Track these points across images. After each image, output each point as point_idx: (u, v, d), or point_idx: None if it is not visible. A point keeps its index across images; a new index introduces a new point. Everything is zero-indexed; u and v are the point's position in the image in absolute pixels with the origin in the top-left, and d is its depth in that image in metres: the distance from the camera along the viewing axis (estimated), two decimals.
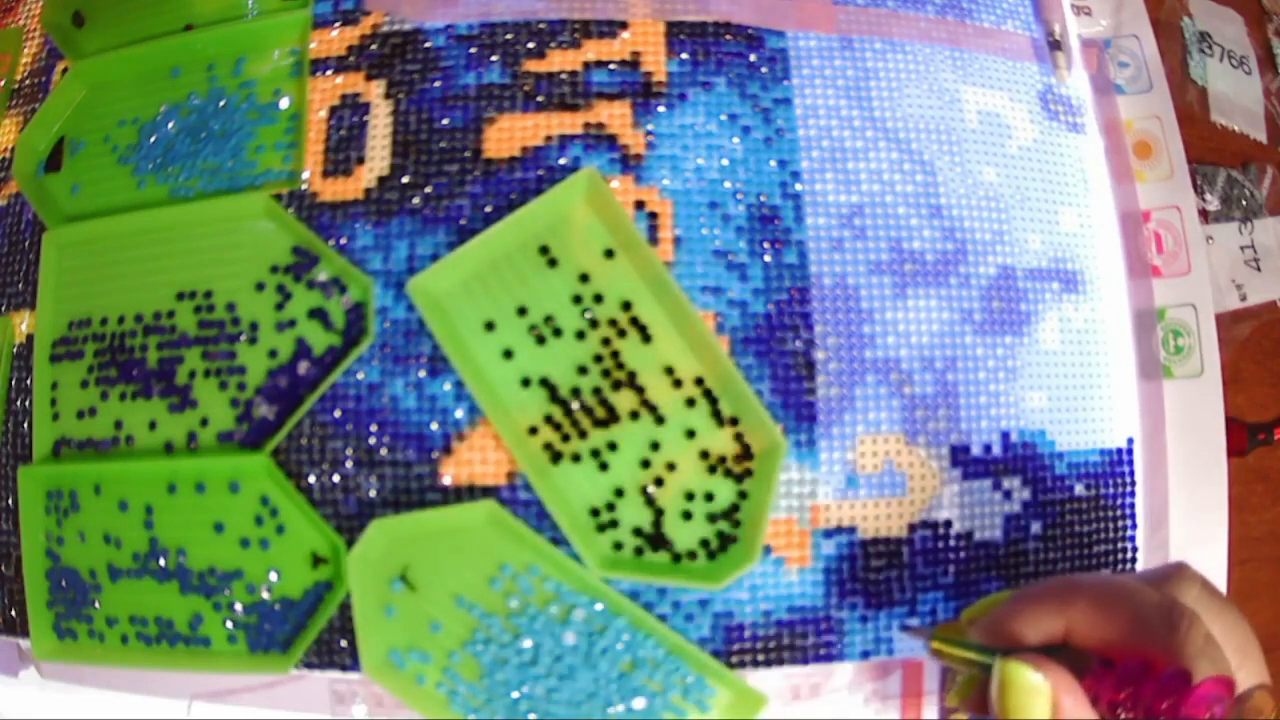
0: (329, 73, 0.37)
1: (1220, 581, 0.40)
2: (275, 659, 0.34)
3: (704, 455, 0.34)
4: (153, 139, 0.38)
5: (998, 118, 0.39)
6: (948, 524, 0.36)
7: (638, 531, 0.34)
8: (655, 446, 0.34)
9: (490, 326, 0.35)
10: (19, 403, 0.38)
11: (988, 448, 0.36)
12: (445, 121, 0.36)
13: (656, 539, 0.34)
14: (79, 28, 0.40)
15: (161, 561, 0.35)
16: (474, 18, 0.37)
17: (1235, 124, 0.47)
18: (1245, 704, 0.24)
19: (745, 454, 0.34)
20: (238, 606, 0.35)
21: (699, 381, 0.34)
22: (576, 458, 0.34)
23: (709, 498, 0.34)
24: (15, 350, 0.38)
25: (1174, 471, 0.40)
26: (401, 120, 0.36)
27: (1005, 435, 0.37)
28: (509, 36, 0.37)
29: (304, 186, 0.36)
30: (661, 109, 0.36)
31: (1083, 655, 0.26)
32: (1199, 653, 0.24)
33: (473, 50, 0.37)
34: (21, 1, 0.43)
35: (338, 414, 0.34)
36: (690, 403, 0.34)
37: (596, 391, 0.34)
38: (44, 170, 0.39)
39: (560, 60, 0.37)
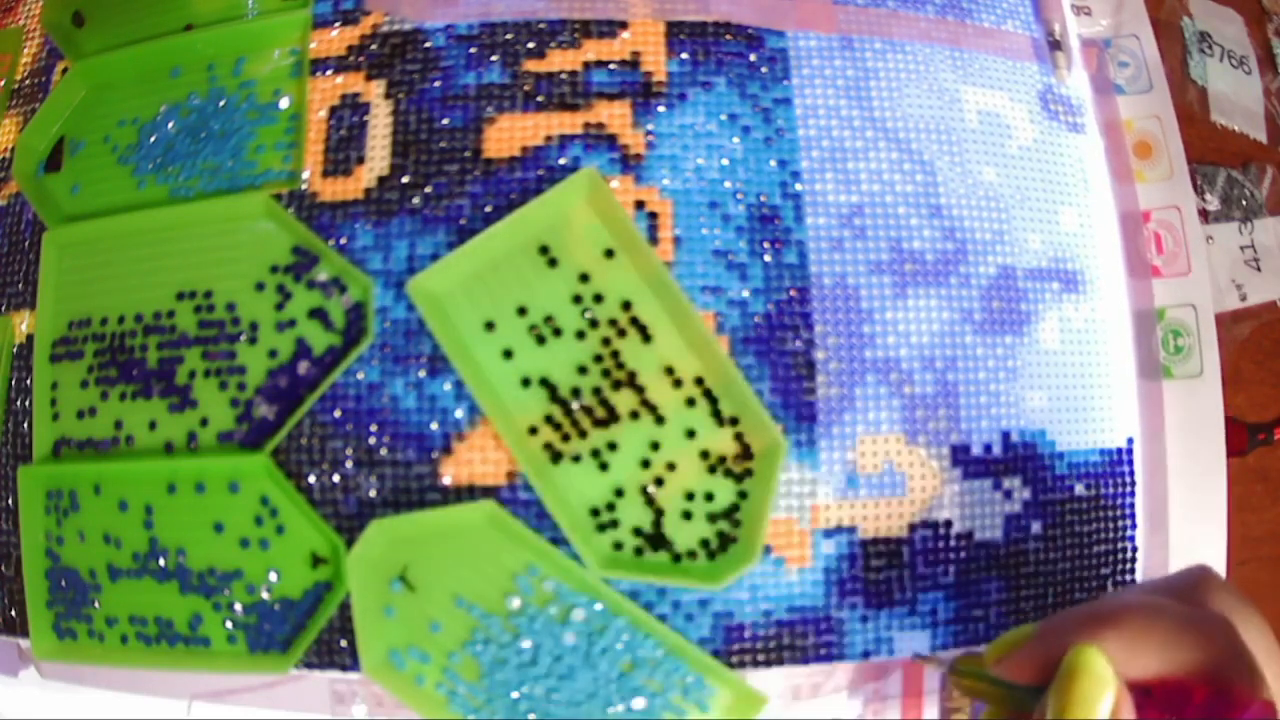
0: (329, 73, 0.37)
1: None
2: (275, 659, 0.34)
3: (704, 455, 0.34)
4: (153, 139, 0.38)
5: (998, 118, 0.39)
6: (948, 524, 0.36)
7: (638, 531, 0.34)
8: (655, 446, 0.34)
9: (490, 326, 0.35)
10: (19, 403, 0.38)
11: (988, 448, 0.36)
12: (445, 121, 0.36)
13: (656, 539, 0.34)
14: (79, 28, 0.40)
15: (161, 561, 0.35)
16: (474, 18, 0.37)
17: (1235, 124, 0.47)
18: None
19: (745, 454, 0.34)
20: (237, 606, 0.35)
21: (699, 381, 0.34)
22: (576, 458, 0.34)
23: (709, 498, 0.34)
24: (15, 350, 0.38)
25: (1174, 471, 0.40)
26: (401, 120, 0.36)
27: (1005, 435, 0.37)
28: (509, 36, 0.37)
29: (304, 186, 0.36)
30: (661, 109, 0.36)
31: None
32: (1234, 664, 0.23)
33: (473, 50, 0.37)
34: (21, 1, 0.43)
35: (338, 414, 0.34)
36: (690, 403, 0.34)
37: (596, 391, 0.34)
38: (44, 170, 0.39)
39: (560, 60, 0.37)
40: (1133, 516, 0.38)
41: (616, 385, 0.34)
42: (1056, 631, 0.26)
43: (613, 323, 0.35)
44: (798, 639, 0.34)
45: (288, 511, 0.34)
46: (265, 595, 0.35)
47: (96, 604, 0.36)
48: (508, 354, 0.34)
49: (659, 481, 0.34)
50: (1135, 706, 0.24)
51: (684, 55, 0.37)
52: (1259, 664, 0.24)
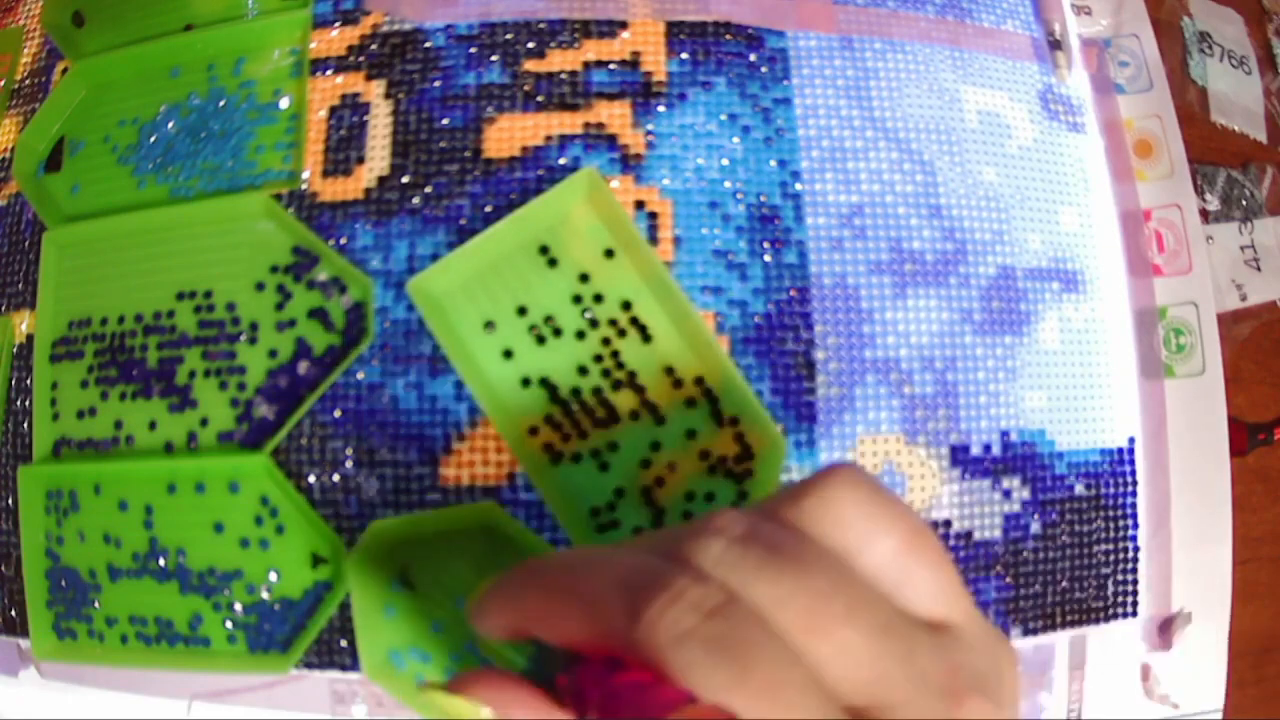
0: (329, 73, 0.37)
1: (1224, 582, 0.39)
2: (275, 659, 0.34)
3: (704, 455, 0.34)
4: (153, 139, 0.38)
5: (998, 117, 0.39)
6: (947, 524, 0.36)
7: (638, 531, 0.34)
8: (655, 446, 0.34)
9: (490, 326, 0.35)
10: (19, 403, 0.38)
11: (987, 447, 0.36)
12: (445, 121, 0.36)
13: None
14: (79, 28, 0.40)
15: (161, 561, 0.35)
16: (474, 18, 0.37)
17: (1235, 124, 0.47)
18: None
19: (745, 454, 0.34)
20: (237, 606, 0.35)
21: (699, 381, 0.34)
22: (577, 458, 0.34)
23: (709, 498, 0.34)
24: (15, 350, 0.38)
25: (1176, 470, 0.39)
26: (401, 120, 0.36)
27: (1005, 435, 0.37)
28: (509, 36, 0.37)
29: (304, 186, 0.36)
30: (661, 109, 0.36)
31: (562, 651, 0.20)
32: (667, 645, 0.16)
33: (473, 50, 0.37)
34: (21, 1, 0.43)
35: (338, 414, 0.34)
36: (690, 403, 0.34)
37: (597, 391, 0.34)
38: (44, 170, 0.39)
39: (560, 60, 0.37)
40: (1134, 516, 0.38)
41: (616, 385, 0.34)
42: (492, 590, 0.21)
43: (613, 323, 0.35)
44: None
45: (288, 511, 0.34)
46: (265, 595, 0.35)
47: (96, 604, 0.36)
48: (508, 354, 0.34)
49: (659, 481, 0.34)
50: (572, 674, 0.19)
51: (684, 55, 0.37)
52: (730, 649, 0.16)
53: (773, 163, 0.36)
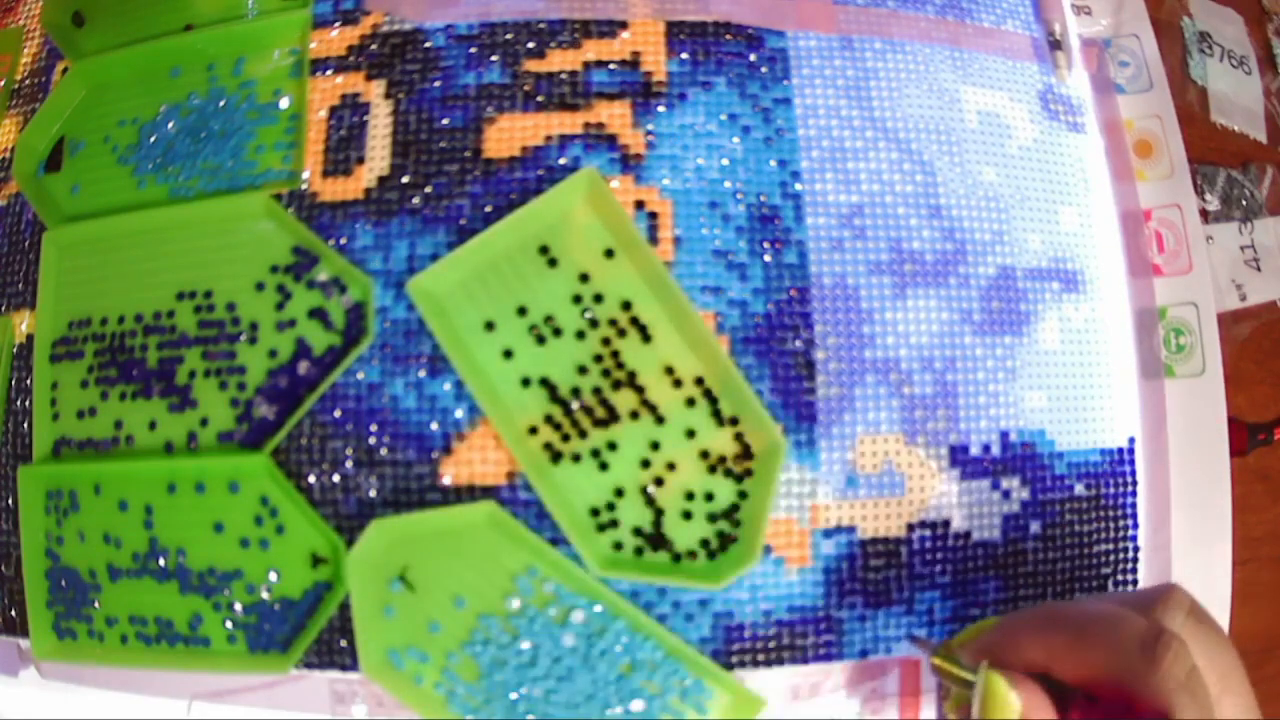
0: (329, 73, 0.37)
1: (1224, 582, 0.40)
2: (275, 659, 0.34)
3: (704, 455, 0.34)
4: (153, 139, 0.38)
5: (998, 118, 0.39)
6: (946, 524, 0.36)
7: (638, 531, 0.34)
8: (655, 446, 0.34)
9: (490, 326, 0.35)
10: (19, 403, 0.38)
11: (987, 448, 0.36)
12: (445, 121, 0.36)
13: (656, 539, 0.34)
14: (79, 28, 0.40)
15: (161, 561, 0.35)
16: (474, 18, 0.37)
17: (1235, 124, 0.47)
18: None
19: (745, 454, 0.34)
20: (237, 606, 0.35)
21: (699, 381, 0.34)
22: (576, 458, 0.34)
23: (709, 498, 0.34)
24: (15, 350, 0.38)
25: (1176, 470, 0.39)
26: (401, 120, 0.36)
27: (1004, 435, 0.37)
28: (509, 36, 0.37)
29: (304, 186, 0.36)
30: (661, 109, 0.36)
31: (1068, 687, 0.26)
32: (1180, 687, 0.23)
33: (473, 50, 0.37)
34: (21, 1, 0.43)
35: (338, 414, 0.34)
36: (690, 403, 0.34)
37: (596, 391, 0.34)
38: (44, 170, 0.39)
39: (560, 60, 0.37)
40: (1134, 516, 0.38)
41: (616, 385, 0.34)
42: (1014, 625, 0.28)
43: (613, 323, 0.35)
44: (798, 639, 0.34)
45: (288, 511, 0.34)
46: (265, 595, 0.35)
47: (96, 604, 0.36)
48: (508, 354, 0.34)
49: (659, 481, 0.34)
50: (1081, 710, 0.25)
51: (684, 55, 0.37)
52: (1207, 690, 0.23)
53: (773, 163, 0.36)
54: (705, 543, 0.34)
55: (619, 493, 0.34)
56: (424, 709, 0.34)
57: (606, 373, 0.34)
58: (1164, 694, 0.23)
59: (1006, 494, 0.36)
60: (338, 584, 0.34)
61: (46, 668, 0.38)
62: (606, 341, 0.34)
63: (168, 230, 0.37)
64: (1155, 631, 0.24)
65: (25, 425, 0.37)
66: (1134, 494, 0.38)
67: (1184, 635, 0.24)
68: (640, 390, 0.34)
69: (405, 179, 0.36)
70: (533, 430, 0.34)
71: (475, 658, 0.34)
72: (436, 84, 0.37)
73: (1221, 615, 0.39)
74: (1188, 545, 0.39)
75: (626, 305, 0.35)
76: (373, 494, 0.34)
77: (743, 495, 0.34)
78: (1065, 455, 0.37)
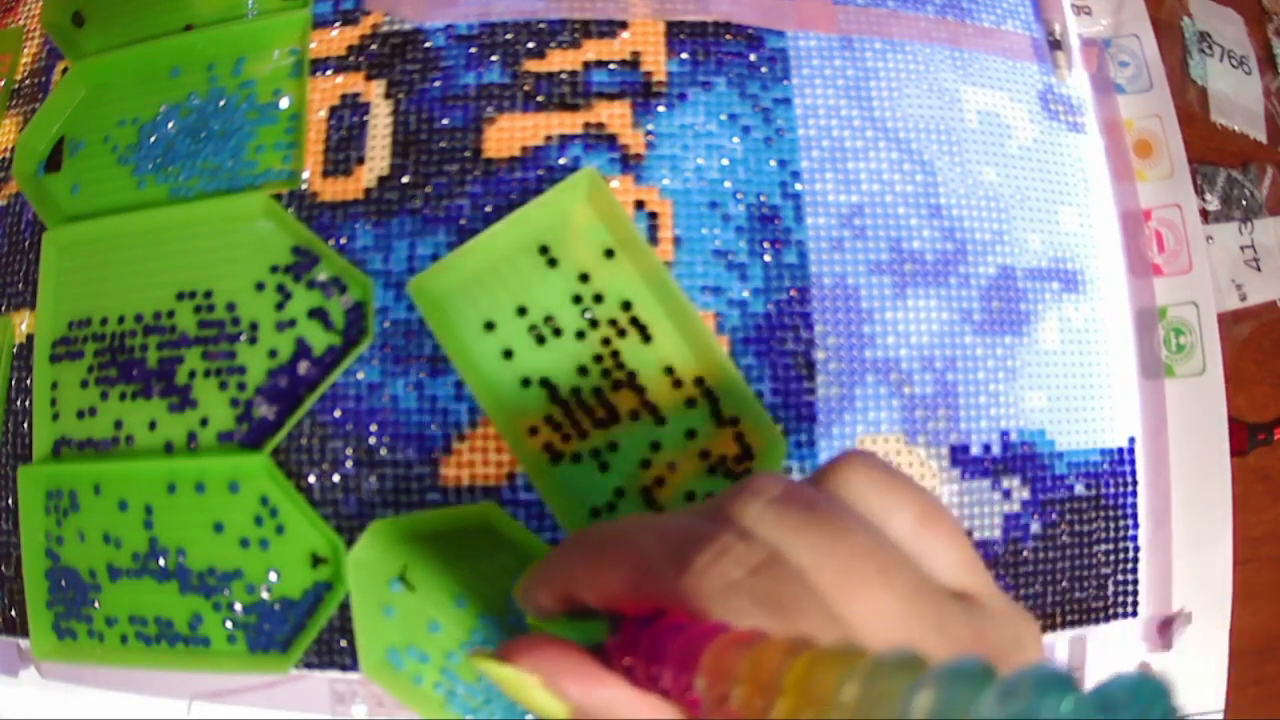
0: (329, 73, 0.37)
1: (1224, 582, 0.39)
2: (275, 659, 0.34)
3: (704, 455, 0.34)
4: (153, 139, 0.38)
5: (998, 118, 0.39)
6: None
7: None
8: (655, 446, 0.34)
9: (490, 326, 0.35)
10: (19, 403, 0.38)
11: (987, 447, 0.36)
12: (445, 121, 0.36)
13: None
14: (79, 28, 0.40)
15: (161, 561, 0.35)
16: (474, 18, 0.37)
17: (1235, 124, 0.47)
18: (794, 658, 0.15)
19: (745, 454, 0.34)
20: (237, 606, 0.35)
21: (699, 381, 0.34)
22: (577, 458, 0.34)
23: (709, 498, 0.34)
24: (15, 350, 0.38)
25: (1176, 470, 0.39)
26: (401, 120, 0.36)
27: (1005, 435, 0.37)
28: (509, 36, 0.37)
29: (304, 186, 0.36)
30: (661, 109, 0.36)
31: (614, 617, 0.20)
32: (713, 595, 0.17)
33: (473, 50, 0.37)
34: (21, 1, 0.43)
35: (338, 414, 0.34)
36: (690, 403, 0.34)
37: (597, 391, 0.34)
38: (44, 170, 0.39)
39: (560, 60, 0.37)
40: (1134, 515, 0.38)
41: (616, 385, 0.34)
42: (542, 563, 0.22)
43: (613, 323, 0.35)
44: None
45: (288, 511, 0.34)
46: (265, 595, 0.35)
47: (96, 604, 0.36)
48: (508, 354, 0.34)
49: (659, 481, 0.34)
50: (619, 637, 0.19)
51: (684, 55, 0.37)
52: (774, 601, 0.17)
53: (773, 163, 0.36)
54: None
55: (619, 493, 0.34)
56: (424, 709, 0.34)
57: (606, 373, 0.34)
58: (692, 602, 0.17)
59: (1007, 493, 0.36)
60: (338, 584, 0.34)
61: (46, 668, 0.38)
62: (607, 342, 0.34)
63: (168, 230, 0.37)
64: (688, 536, 0.18)
65: (25, 425, 0.37)
66: (1134, 494, 0.38)
67: (763, 527, 0.18)
68: (640, 390, 0.34)
69: (405, 179, 0.36)
70: (533, 430, 0.34)
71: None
72: (436, 84, 0.37)
73: (1222, 615, 0.39)
74: (1188, 545, 0.39)
75: (627, 305, 0.35)
76: (373, 494, 0.34)
77: None
78: (1065, 455, 0.37)
